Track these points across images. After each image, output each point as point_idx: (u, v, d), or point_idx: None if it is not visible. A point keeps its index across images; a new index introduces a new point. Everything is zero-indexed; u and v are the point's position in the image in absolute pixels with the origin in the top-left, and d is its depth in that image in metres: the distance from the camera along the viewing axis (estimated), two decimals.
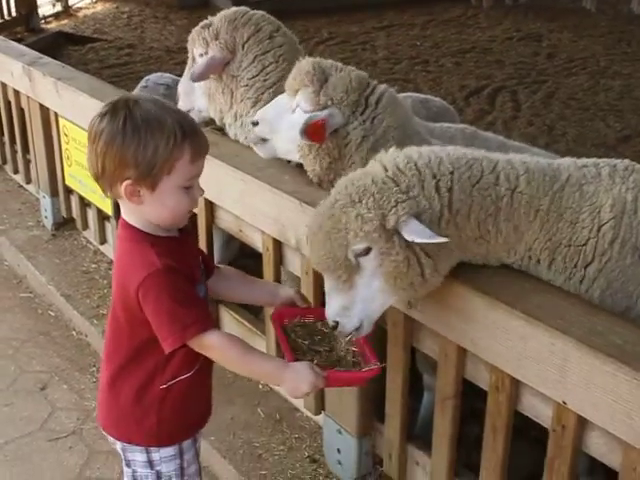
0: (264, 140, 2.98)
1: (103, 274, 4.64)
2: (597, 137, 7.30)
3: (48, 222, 5.24)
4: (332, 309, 2.28)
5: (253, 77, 3.42)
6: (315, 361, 2.23)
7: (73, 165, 4.63)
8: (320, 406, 3.23)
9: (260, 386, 3.64)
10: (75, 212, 5.03)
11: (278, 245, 3.16)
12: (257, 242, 3.30)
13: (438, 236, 2.16)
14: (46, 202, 5.21)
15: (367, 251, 2.21)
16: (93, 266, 4.76)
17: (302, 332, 2.42)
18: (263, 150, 3.04)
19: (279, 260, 3.22)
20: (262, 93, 3.37)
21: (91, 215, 4.80)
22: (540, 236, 2.33)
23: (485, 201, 2.29)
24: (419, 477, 2.82)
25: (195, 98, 3.61)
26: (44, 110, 4.87)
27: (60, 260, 4.86)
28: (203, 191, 2.16)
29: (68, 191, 4.97)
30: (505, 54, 10.64)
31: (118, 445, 2.29)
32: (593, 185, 2.36)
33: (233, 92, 3.45)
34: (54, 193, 5.13)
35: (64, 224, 5.21)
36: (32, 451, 3.47)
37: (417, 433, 3.02)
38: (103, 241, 4.72)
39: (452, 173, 2.28)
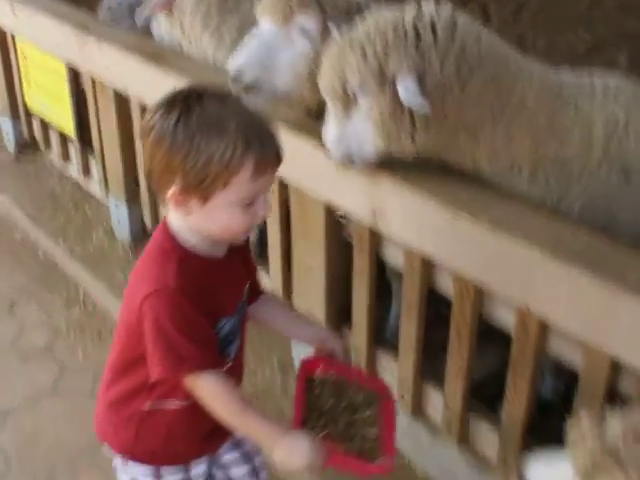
0: (254, 87, 2.64)
1: (68, 196, 4.63)
2: (567, 48, 7.32)
3: (10, 145, 5.20)
4: (328, 134, 2.36)
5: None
6: (326, 431, 1.95)
7: (33, 87, 4.57)
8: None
9: None
10: (37, 133, 4.99)
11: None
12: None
13: (425, 104, 2.17)
14: (7, 125, 5.17)
15: (362, 89, 2.23)
16: (58, 188, 4.73)
17: (331, 391, 2.08)
18: (260, 97, 2.65)
19: None
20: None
21: (54, 136, 4.76)
22: (528, 148, 2.35)
23: (498, 99, 2.28)
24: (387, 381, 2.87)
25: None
26: (0, 33, 4.79)
27: (24, 182, 4.85)
28: (271, 208, 1.91)
29: (29, 113, 4.93)
30: None
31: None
32: (588, 103, 2.38)
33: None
34: (15, 115, 5.07)
35: (27, 147, 5.16)
36: (3, 368, 3.53)
37: (388, 338, 3.08)
38: (66, 160, 4.69)
39: (481, 58, 2.26)
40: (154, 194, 2.65)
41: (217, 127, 1.71)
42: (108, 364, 2.04)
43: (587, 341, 2.13)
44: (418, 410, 2.85)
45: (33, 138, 5.08)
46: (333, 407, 2.03)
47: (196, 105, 1.72)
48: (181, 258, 1.83)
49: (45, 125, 4.80)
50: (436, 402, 2.77)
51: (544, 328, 2.27)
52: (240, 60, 2.57)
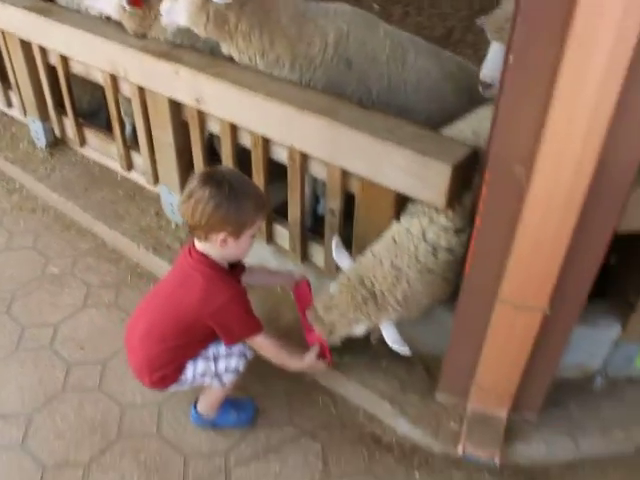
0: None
1: None
2: None
3: None
4: (164, 7, 2.47)
5: None
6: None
7: None
8: (156, 179, 3.38)
9: (118, 177, 3.86)
10: None
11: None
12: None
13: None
14: None
15: None
16: None
17: None
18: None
19: None
20: None
21: None
22: (285, 49, 2.49)
23: (263, 15, 2.41)
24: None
25: None
26: None
27: None
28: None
29: None
30: None
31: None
32: (323, 20, 2.55)
33: None
34: None
35: None
36: None
37: None
38: None
39: None
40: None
41: (247, 194, 2.04)
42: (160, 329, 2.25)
43: (327, 161, 2.37)
44: None
45: None
46: None
47: (230, 182, 2.01)
48: (226, 272, 2.18)
49: None
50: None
51: (304, 157, 2.47)
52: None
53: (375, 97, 2.61)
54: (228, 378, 2.35)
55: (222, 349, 2.29)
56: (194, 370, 2.29)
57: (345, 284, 2.30)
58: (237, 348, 2.31)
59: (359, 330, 2.37)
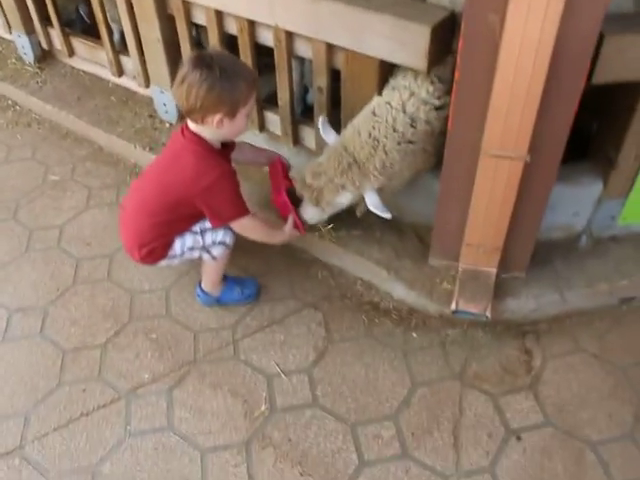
0: None
1: None
2: None
3: None
4: None
5: None
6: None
7: None
8: (148, 81, 3.41)
9: (109, 85, 3.91)
10: None
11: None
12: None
13: None
14: None
15: None
16: None
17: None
18: None
19: None
20: None
21: None
22: None
23: None
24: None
25: None
26: None
27: None
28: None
29: None
30: None
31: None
32: None
33: None
34: None
35: None
36: None
37: None
38: None
39: None
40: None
41: (239, 73, 2.06)
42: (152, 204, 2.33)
43: (312, 37, 2.42)
44: None
45: None
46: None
47: (221, 63, 2.03)
48: (218, 153, 2.23)
49: None
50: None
51: (289, 36, 2.51)
52: None
53: None
54: (217, 251, 2.46)
55: (208, 223, 2.36)
56: (182, 244, 2.39)
57: (331, 151, 2.43)
58: None
59: (345, 198, 2.49)
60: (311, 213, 2.61)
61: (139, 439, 2.29)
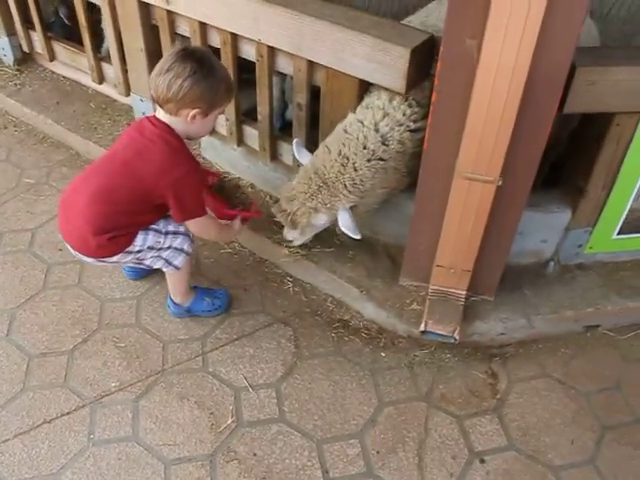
0: None
1: None
2: None
3: None
4: None
5: None
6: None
7: None
8: (128, 90, 3.44)
9: (89, 91, 3.92)
10: None
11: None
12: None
13: None
14: None
15: None
16: None
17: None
18: None
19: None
20: None
21: None
22: None
23: None
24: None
25: None
26: None
27: None
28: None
29: None
30: None
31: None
32: None
33: None
34: None
35: None
36: None
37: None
38: None
39: None
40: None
41: (220, 75, 2.12)
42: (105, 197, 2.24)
43: (293, 53, 2.45)
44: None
45: None
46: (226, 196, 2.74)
47: (210, 61, 2.09)
48: (186, 147, 2.22)
49: None
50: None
51: (271, 52, 2.55)
52: None
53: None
54: (178, 260, 2.44)
55: (171, 226, 2.35)
56: (144, 240, 2.31)
57: (302, 175, 2.46)
58: (183, 227, 2.39)
59: (320, 220, 2.52)
60: (291, 235, 2.65)
61: (102, 448, 2.28)
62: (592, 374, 2.57)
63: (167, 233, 2.35)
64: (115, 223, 2.27)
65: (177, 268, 2.49)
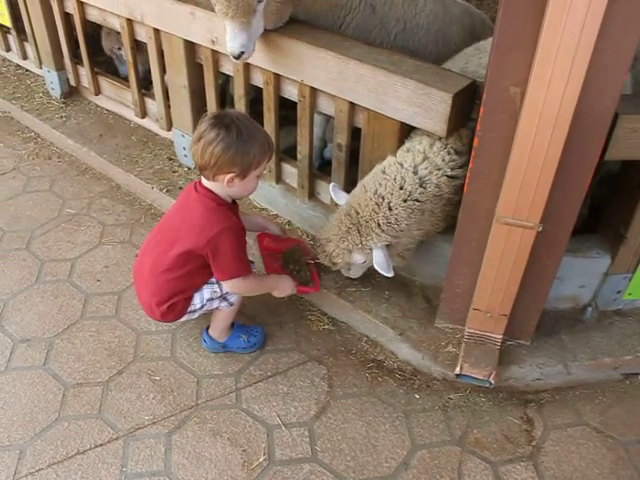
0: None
1: (12, 73, 4.62)
2: None
3: None
4: (239, 43, 2.36)
5: None
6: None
7: None
8: (170, 125, 3.53)
9: (131, 125, 4.02)
10: None
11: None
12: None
13: None
14: None
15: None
16: (4, 69, 4.69)
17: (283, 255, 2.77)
18: None
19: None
20: None
21: None
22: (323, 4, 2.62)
23: None
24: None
25: None
26: None
27: None
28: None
29: None
30: None
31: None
32: None
33: None
34: None
35: None
36: None
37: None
38: (8, 49, 4.48)
39: None
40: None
41: (255, 137, 2.14)
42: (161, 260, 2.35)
43: (335, 95, 2.51)
44: None
45: None
46: (285, 262, 2.73)
47: (239, 124, 2.11)
48: (229, 207, 2.27)
49: None
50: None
51: (313, 92, 2.60)
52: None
53: (393, 40, 2.77)
54: (234, 297, 2.50)
55: None
56: (201, 297, 2.42)
57: (335, 217, 2.51)
58: None
59: (357, 260, 2.54)
60: (345, 273, 2.72)
61: None
62: (631, 423, 2.52)
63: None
64: (175, 289, 2.39)
65: (231, 305, 2.55)
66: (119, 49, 3.82)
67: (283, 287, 2.52)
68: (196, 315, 2.55)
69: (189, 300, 2.41)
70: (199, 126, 2.13)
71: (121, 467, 2.32)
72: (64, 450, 2.36)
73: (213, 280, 2.41)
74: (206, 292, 2.41)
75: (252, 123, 2.18)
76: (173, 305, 2.38)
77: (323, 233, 2.52)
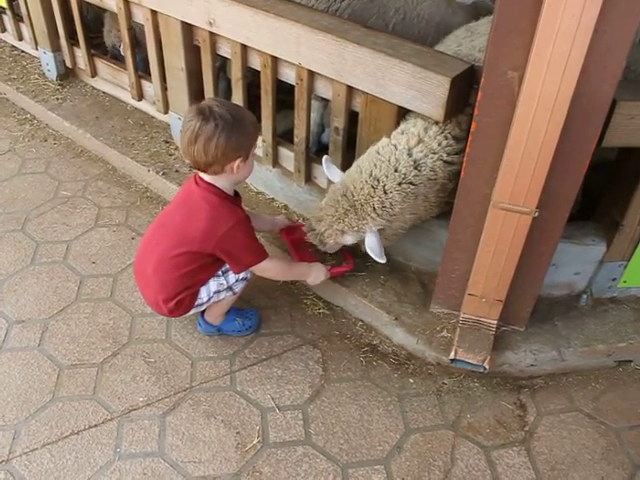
0: None
1: (7, 54, 4.58)
2: None
3: None
4: None
5: None
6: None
7: None
8: (166, 108, 3.51)
9: (128, 107, 4.00)
10: None
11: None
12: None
13: None
14: None
15: None
16: None
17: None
18: None
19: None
20: None
21: None
22: None
23: None
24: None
25: None
26: None
27: None
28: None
29: None
30: None
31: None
32: None
33: None
34: None
35: None
36: None
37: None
38: (3, 30, 4.46)
39: None
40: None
41: (245, 119, 2.14)
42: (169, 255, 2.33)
43: (333, 78, 2.48)
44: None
45: None
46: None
47: (226, 110, 2.09)
48: (232, 201, 2.27)
49: None
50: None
51: (311, 75, 2.58)
52: None
53: (391, 30, 2.77)
54: (239, 287, 2.52)
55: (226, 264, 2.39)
56: (208, 291, 2.43)
57: (331, 196, 2.47)
58: None
59: (347, 241, 2.54)
60: (322, 248, 2.67)
61: (128, 463, 2.29)
62: (623, 410, 2.53)
63: (226, 272, 2.42)
64: (181, 286, 2.39)
65: (235, 294, 2.57)
66: (121, 46, 3.78)
67: (316, 275, 2.55)
68: (203, 307, 2.55)
69: (196, 295, 2.41)
70: (187, 128, 2.08)
71: (115, 448, 2.32)
72: (58, 430, 2.36)
73: (219, 273, 2.41)
74: (213, 285, 2.41)
75: (231, 103, 2.18)
76: (180, 301, 2.38)
77: (313, 212, 2.50)
